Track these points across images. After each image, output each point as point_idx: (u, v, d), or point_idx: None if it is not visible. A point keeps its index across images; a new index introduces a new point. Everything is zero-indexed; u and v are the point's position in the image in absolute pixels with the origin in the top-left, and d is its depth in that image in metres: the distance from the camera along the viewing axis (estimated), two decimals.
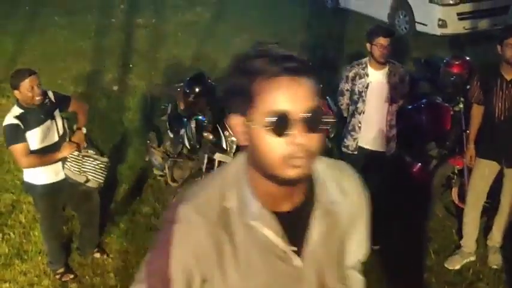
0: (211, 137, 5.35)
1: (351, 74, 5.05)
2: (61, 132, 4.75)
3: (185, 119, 5.78)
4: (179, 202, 1.66)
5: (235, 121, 1.57)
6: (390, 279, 4.98)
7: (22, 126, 4.43)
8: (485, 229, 5.26)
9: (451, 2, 10.43)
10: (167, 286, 1.60)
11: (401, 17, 11.15)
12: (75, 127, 4.95)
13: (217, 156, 5.55)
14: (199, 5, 13.76)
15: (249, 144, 1.57)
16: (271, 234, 1.61)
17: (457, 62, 6.16)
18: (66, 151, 4.67)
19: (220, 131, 5.58)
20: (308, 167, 1.54)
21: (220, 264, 1.61)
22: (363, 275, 2.05)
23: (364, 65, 5.01)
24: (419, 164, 5.96)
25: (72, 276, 5.08)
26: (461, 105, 5.52)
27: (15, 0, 14.12)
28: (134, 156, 7.00)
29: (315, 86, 1.57)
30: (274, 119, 1.47)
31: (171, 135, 5.93)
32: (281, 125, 1.47)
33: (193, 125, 5.56)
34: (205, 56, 10.34)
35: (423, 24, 10.68)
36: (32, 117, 4.48)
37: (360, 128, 5.12)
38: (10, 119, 4.46)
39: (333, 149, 6.39)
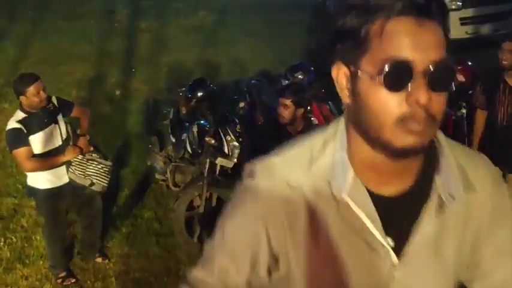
0: (213, 141, 5.35)
1: None
2: (64, 136, 4.77)
3: (187, 124, 5.79)
4: (259, 159, 1.37)
5: (341, 71, 1.24)
6: None
7: (25, 131, 4.44)
8: None
9: (453, 6, 10.42)
10: (235, 260, 1.36)
11: None
12: (78, 131, 4.96)
13: (219, 161, 5.56)
14: (202, 9, 13.79)
15: (354, 101, 1.23)
16: (366, 218, 1.27)
17: (459, 67, 6.15)
18: (70, 155, 4.68)
19: (222, 136, 5.58)
20: (429, 136, 1.21)
21: (295, 242, 1.31)
22: None
23: None
24: None
25: (73, 280, 5.07)
26: (463, 111, 5.51)
27: (18, 5, 14.16)
28: (136, 161, 7.00)
29: (446, 34, 1.25)
30: (392, 68, 1.14)
31: (173, 140, 5.94)
32: (400, 76, 1.15)
33: (195, 129, 5.56)
34: (208, 61, 10.35)
35: None
36: (35, 121, 4.49)
37: None
38: (13, 123, 4.48)
39: None
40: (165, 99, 8.09)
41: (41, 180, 4.67)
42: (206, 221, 5.48)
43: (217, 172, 5.59)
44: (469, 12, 10.49)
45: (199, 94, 5.73)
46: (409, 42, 1.15)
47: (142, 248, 5.50)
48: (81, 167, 4.72)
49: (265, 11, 13.46)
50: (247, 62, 10.28)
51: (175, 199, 5.41)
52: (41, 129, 4.52)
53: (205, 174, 5.34)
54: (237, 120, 5.86)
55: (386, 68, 1.14)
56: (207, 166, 5.37)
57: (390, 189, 1.29)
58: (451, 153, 1.35)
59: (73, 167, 4.70)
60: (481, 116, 4.92)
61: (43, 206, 4.87)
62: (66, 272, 5.09)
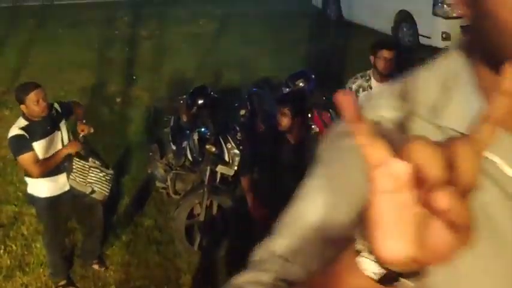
0: (213, 149, 5.34)
1: (354, 86, 5.04)
2: (66, 142, 4.76)
3: (188, 131, 5.79)
4: None
5: None
6: None
7: (28, 136, 4.44)
8: None
9: (455, 14, 10.43)
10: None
11: (404, 29, 11.17)
12: (79, 129, 4.95)
13: (220, 169, 5.55)
14: (203, 17, 13.83)
15: (477, 16, 0.82)
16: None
17: None
18: (71, 148, 4.66)
19: (223, 144, 5.57)
20: None
21: None
22: None
23: (367, 78, 5.01)
24: None
25: None
26: None
27: (19, 12, 14.20)
28: (137, 168, 6.99)
29: None
30: None
31: (174, 148, 5.93)
32: None
33: (195, 137, 5.56)
34: (209, 68, 10.36)
35: (427, 37, 10.69)
36: (38, 128, 4.49)
37: None
38: (15, 130, 4.48)
39: None
40: (165, 106, 8.09)
41: (41, 188, 4.66)
42: (206, 229, 5.47)
43: (218, 180, 5.59)
44: None
45: (200, 102, 5.73)
46: None
47: (143, 256, 5.49)
48: (83, 175, 4.72)
49: (265, 18, 13.51)
50: (248, 69, 10.28)
51: (175, 207, 5.41)
52: (43, 136, 4.52)
53: (206, 182, 5.33)
54: (237, 128, 5.85)
55: None
56: (207, 174, 5.36)
57: None
58: None
59: (74, 174, 4.69)
60: None
61: (43, 214, 4.87)
62: (66, 280, 5.08)
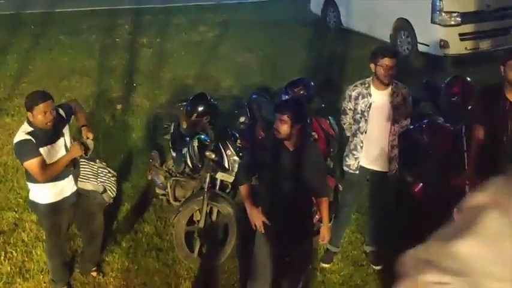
0: (213, 156, 5.37)
1: (354, 94, 5.07)
2: (69, 147, 4.77)
3: (188, 138, 5.82)
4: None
5: None
6: None
7: (34, 141, 4.44)
8: None
9: (453, 22, 10.50)
10: None
11: (403, 37, 11.23)
12: (84, 134, 4.96)
13: (219, 175, 5.58)
14: (203, 24, 13.89)
15: None
16: None
17: (457, 83, 6.19)
18: (74, 151, 4.65)
19: (223, 150, 5.61)
20: None
21: None
22: None
23: (367, 85, 5.03)
24: (421, 184, 5.96)
25: None
26: (462, 126, 5.54)
27: (21, 20, 14.25)
28: (137, 175, 7.01)
29: None
30: None
31: (174, 154, 5.96)
32: None
33: (195, 144, 5.59)
34: (209, 75, 10.41)
35: (425, 44, 10.75)
36: (42, 135, 4.50)
37: (361, 147, 5.13)
38: (22, 135, 4.46)
39: (335, 167, 6.42)
40: (166, 113, 8.11)
41: (42, 194, 4.68)
42: (206, 236, 5.49)
43: (218, 187, 5.62)
44: (468, 28, 10.56)
45: (200, 109, 5.76)
46: None
47: (143, 263, 5.51)
48: (93, 175, 4.78)
49: (265, 26, 13.56)
50: (247, 77, 10.32)
51: (175, 214, 5.42)
52: (48, 142, 4.53)
53: (206, 188, 5.36)
54: (237, 135, 5.89)
55: None
56: (207, 180, 5.39)
57: None
58: None
59: (85, 176, 4.73)
60: (479, 132, 4.93)
61: (45, 221, 4.89)
62: (67, 287, 5.11)
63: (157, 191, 6.09)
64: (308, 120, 5.48)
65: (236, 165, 5.54)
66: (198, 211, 5.40)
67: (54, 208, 4.72)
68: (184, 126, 5.88)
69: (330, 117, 6.28)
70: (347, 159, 5.26)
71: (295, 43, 12.28)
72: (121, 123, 8.56)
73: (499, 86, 4.76)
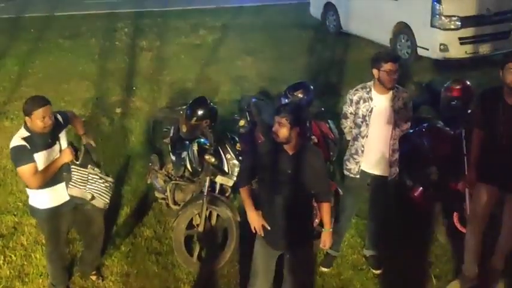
0: (213, 159, 5.37)
1: (355, 98, 5.06)
2: None
3: (187, 142, 5.81)
4: None
5: None
6: None
7: (29, 147, 4.44)
8: (487, 253, 5.23)
9: (452, 26, 10.50)
10: None
11: (402, 41, 11.23)
12: (83, 140, 4.96)
13: (219, 179, 5.58)
14: (203, 28, 13.89)
15: None
16: None
17: (457, 87, 6.19)
18: (65, 157, 4.64)
19: (222, 154, 5.60)
20: None
21: None
22: None
23: (368, 89, 5.02)
24: (421, 188, 5.96)
25: None
26: (461, 129, 5.54)
27: (20, 23, 14.26)
28: (136, 179, 7.01)
29: None
30: None
31: (173, 158, 5.95)
32: None
33: (195, 147, 5.58)
34: (208, 79, 10.41)
35: (425, 48, 10.75)
36: (39, 140, 4.49)
37: (362, 151, 5.13)
38: (17, 140, 4.47)
39: (335, 171, 6.42)
40: (165, 117, 8.10)
41: (41, 199, 4.67)
42: (206, 240, 5.48)
43: (217, 190, 5.61)
44: (468, 32, 10.57)
45: (200, 113, 5.75)
46: None
47: (142, 267, 5.50)
48: (82, 182, 4.72)
49: (265, 30, 13.57)
50: (247, 80, 10.33)
51: (175, 217, 5.41)
52: (44, 148, 4.52)
53: (205, 192, 5.35)
54: (236, 139, 5.88)
55: None
56: (206, 184, 5.38)
57: None
58: None
59: (74, 182, 4.69)
60: (478, 135, 4.93)
61: (44, 225, 4.87)
62: None
63: (157, 194, 6.08)
64: (308, 124, 5.48)
65: (236, 169, 5.54)
66: (197, 215, 5.40)
67: (54, 213, 4.71)
68: (184, 130, 5.88)
69: (329, 120, 6.27)
70: (347, 163, 5.26)
71: (295, 47, 12.29)
72: (120, 127, 8.56)
73: (498, 89, 4.76)
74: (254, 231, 4.41)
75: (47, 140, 4.53)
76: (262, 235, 4.37)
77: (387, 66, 4.82)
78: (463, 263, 5.18)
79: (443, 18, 10.47)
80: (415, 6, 10.89)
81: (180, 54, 12.08)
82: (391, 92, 4.99)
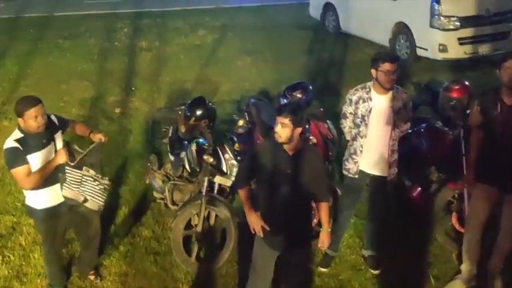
0: (211, 160, 5.37)
1: (354, 98, 5.05)
2: None
3: (186, 142, 5.81)
4: None
5: None
6: None
7: (21, 149, 4.43)
8: (486, 254, 5.23)
9: (451, 27, 10.50)
10: None
11: (402, 41, 11.23)
12: (93, 138, 4.92)
13: (218, 179, 5.58)
14: (202, 28, 13.89)
15: None
16: None
17: (456, 87, 6.18)
18: (60, 158, 4.62)
19: (221, 154, 5.60)
20: None
21: None
22: None
23: (368, 89, 5.02)
24: (419, 188, 5.96)
25: None
26: (460, 130, 5.54)
27: (20, 23, 14.26)
28: (135, 179, 7.00)
29: None
30: None
31: (172, 158, 5.95)
32: None
33: (193, 148, 5.58)
34: (208, 79, 10.41)
35: (424, 48, 10.75)
36: (33, 141, 4.47)
37: (361, 151, 5.12)
38: (10, 142, 4.46)
39: (333, 171, 6.41)
40: (164, 117, 8.10)
41: (38, 199, 4.66)
42: (204, 240, 5.48)
43: (216, 190, 5.61)
44: (467, 33, 10.56)
45: (199, 113, 5.74)
46: None
47: (140, 267, 5.50)
48: (76, 184, 4.70)
49: (264, 30, 13.58)
50: (246, 80, 10.33)
51: (173, 218, 5.41)
52: (38, 149, 4.50)
53: (204, 192, 5.35)
54: (235, 139, 5.88)
55: None
56: (205, 184, 5.38)
57: None
58: None
59: (67, 184, 4.68)
60: (477, 136, 4.93)
61: (41, 225, 4.86)
62: None
63: (155, 194, 6.08)
64: (306, 124, 5.48)
65: (234, 169, 5.54)
66: (196, 215, 5.40)
67: (51, 213, 4.70)
68: (183, 130, 5.87)
69: (328, 121, 6.27)
70: (346, 163, 5.26)
71: (294, 47, 12.29)
72: (119, 127, 8.56)
73: (496, 89, 4.76)
74: (253, 232, 4.41)
75: (41, 140, 4.51)
76: (261, 236, 4.37)
77: (385, 66, 4.82)
78: (462, 263, 5.18)
79: (442, 18, 10.46)
80: (414, 7, 10.89)
81: (179, 54, 12.08)
82: (390, 93, 4.98)
